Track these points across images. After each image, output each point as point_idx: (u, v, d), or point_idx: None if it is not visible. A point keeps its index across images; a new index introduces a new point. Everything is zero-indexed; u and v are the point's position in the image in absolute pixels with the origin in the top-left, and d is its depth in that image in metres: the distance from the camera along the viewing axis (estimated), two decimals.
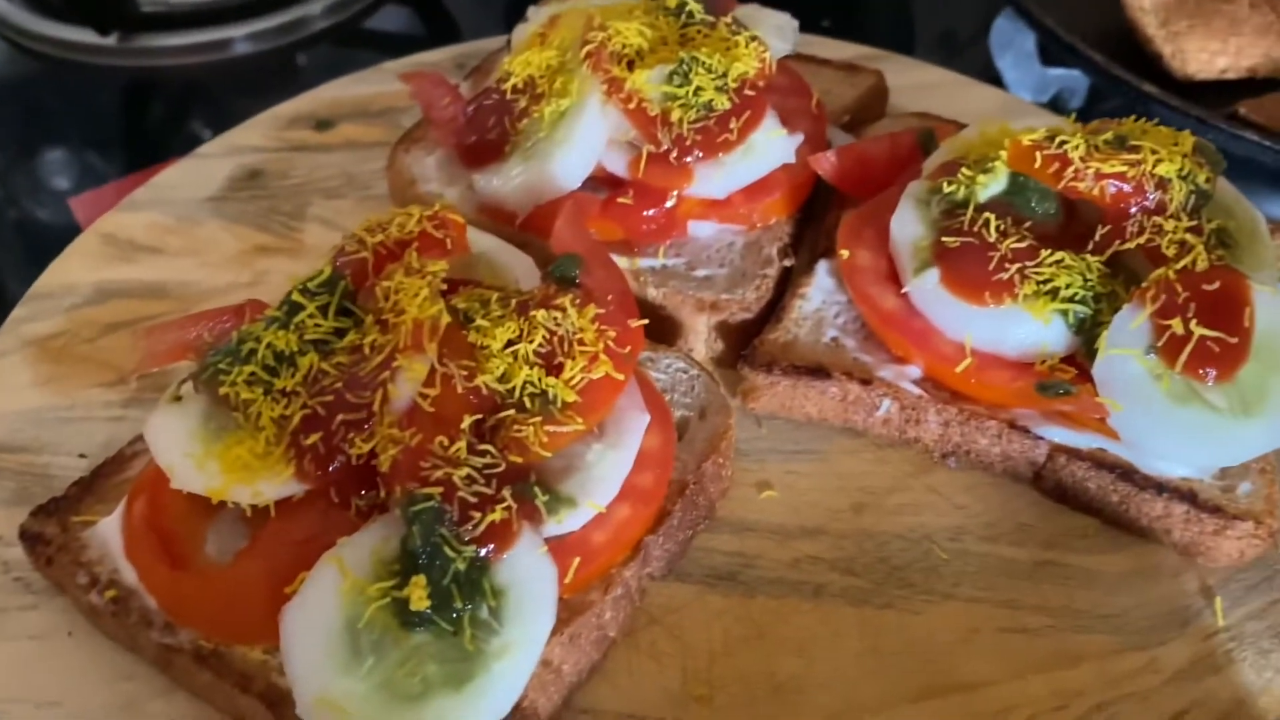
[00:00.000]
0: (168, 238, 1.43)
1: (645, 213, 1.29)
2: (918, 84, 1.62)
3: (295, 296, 1.02)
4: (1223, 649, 1.07)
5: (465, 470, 0.95)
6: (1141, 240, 1.14)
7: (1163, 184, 1.14)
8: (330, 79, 2.01)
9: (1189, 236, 1.14)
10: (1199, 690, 1.04)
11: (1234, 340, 1.08)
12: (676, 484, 1.10)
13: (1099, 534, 1.16)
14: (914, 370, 1.20)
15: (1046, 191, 1.20)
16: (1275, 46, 1.80)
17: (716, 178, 1.29)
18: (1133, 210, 1.15)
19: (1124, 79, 1.69)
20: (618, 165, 1.30)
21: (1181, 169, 1.15)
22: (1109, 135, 1.17)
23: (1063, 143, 1.15)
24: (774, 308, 1.29)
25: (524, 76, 1.33)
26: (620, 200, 1.29)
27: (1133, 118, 1.25)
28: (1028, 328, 1.15)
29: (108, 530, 1.05)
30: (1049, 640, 1.07)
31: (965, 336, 1.17)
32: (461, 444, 0.97)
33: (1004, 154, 1.20)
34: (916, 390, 1.19)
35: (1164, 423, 1.09)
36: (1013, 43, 2.07)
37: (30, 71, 2.08)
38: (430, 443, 0.95)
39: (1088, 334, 1.14)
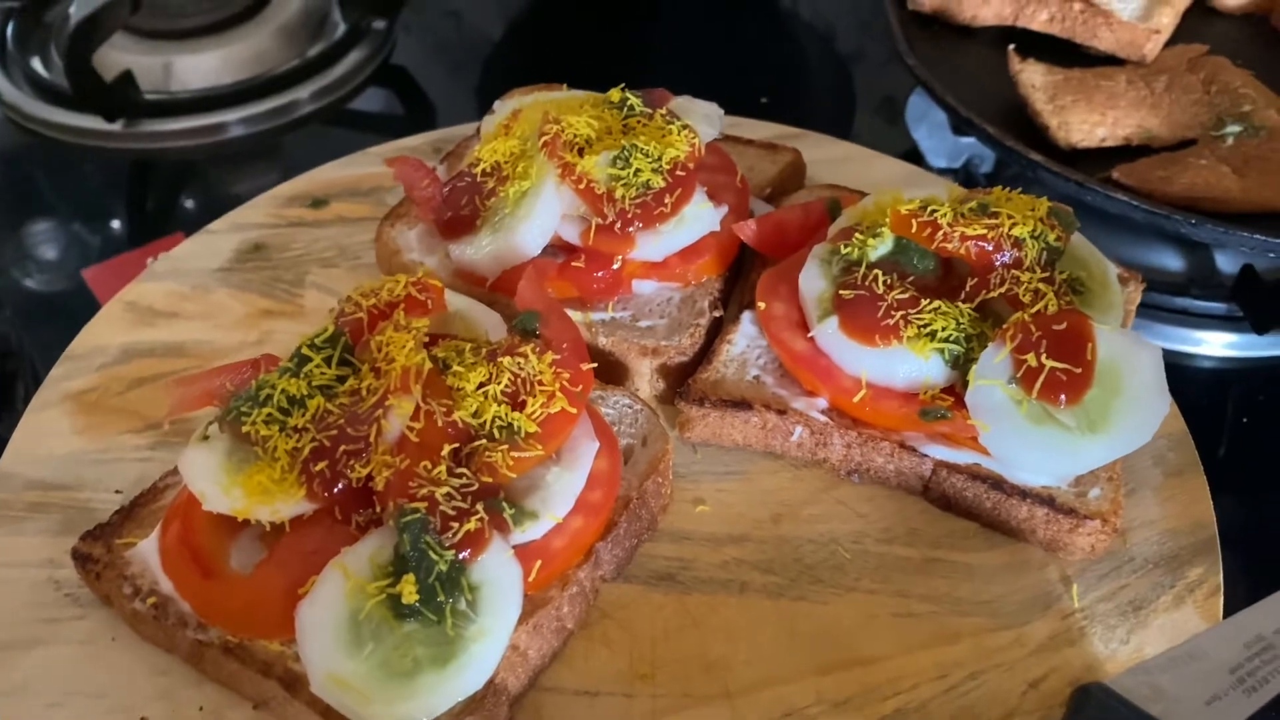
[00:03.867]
0: (183, 304, 1.64)
1: (595, 274, 1.52)
2: (832, 158, 1.86)
3: (304, 350, 1.24)
4: (1077, 626, 1.29)
5: (445, 489, 1.17)
6: (1003, 289, 1.38)
7: (1018, 243, 1.39)
8: (316, 156, 2.26)
9: (1042, 285, 1.37)
10: (1057, 659, 1.26)
11: (1079, 370, 1.31)
12: (622, 499, 1.31)
13: (977, 535, 1.38)
14: (821, 401, 1.43)
15: (925, 251, 1.43)
16: (1148, 117, 2.05)
17: (654, 244, 1.52)
18: (995, 265, 1.39)
19: (1014, 148, 1.94)
20: (571, 235, 1.53)
21: (1034, 230, 1.39)
22: (974, 204, 1.41)
23: (933, 211, 1.39)
24: (706, 352, 1.52)
25: (491, 162, 1.57)
26: (574, 264, 1.52)
27: (1001, 187, 1.49)
28: (911, 364, 1.38)
29: (147, 549, 1.26)
30: (933, 623, 1.29)
31: (861, 372, 1.39)
32: (442, 468, 1.19)
33: (889, 220, 1.44)
34: (823, 418, 1.41)
35: (1025, 440, 1.32)
36: (926, 115, 2.32)
37: (40, 154, 2.31)
38: (416, 467, 1.17)
39: (961, 368, 1.37)
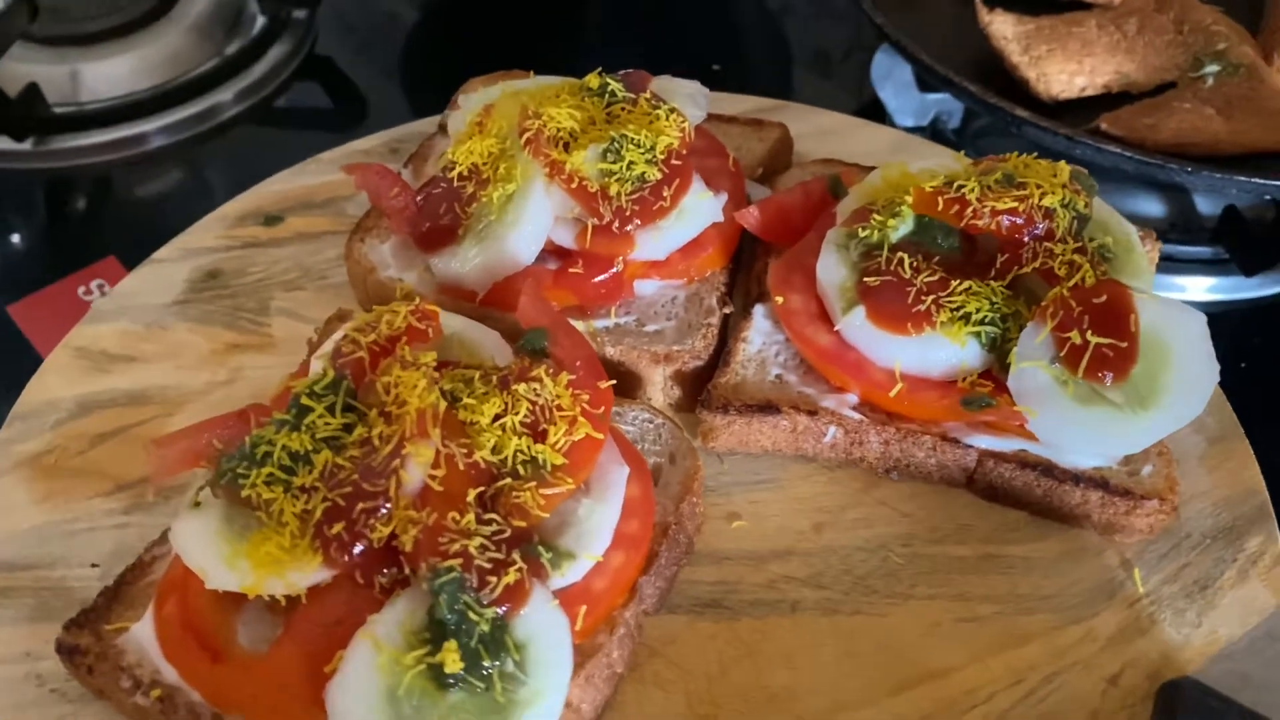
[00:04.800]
0: (139, 345, 1.49)
1: (595, 279, 1.40)
2: (817, 130, 1.77)
3: (304, 400, 1.11)
4: (1146, 613, 1.23)
5: (478, 540, 1.06)
6: (1036, 264, 1.30)
7: (1049, 213, 1.31)
8: (248, 161, 2.10)
9: (1076, 257, 1.30)
10: (1131, 651, 1.20)
11: (1124, 345, 1.25)
12: (659, 526, 1.21)
13: (1029, 525, 1.31)
14: (852, 398, 1.34)
15: (949, 228, 1.35)
16: (1124, 62, 2.00)
17: (656, 242, 1.41)
18: (1026, 238, 1.31)
19: (999, 106, 1.86)
20: (566, 239, 1.41)
21: (1063, 199, 1.31)
22: (998, 175, 1.32)
23: (960, 186, 1.30)
24: (720, 352, 1.42)
25: (468, 164, 1.44)
26: (572, 270, 1.40)
27: (1017, 154, 1.41)
28: (947, 351, 1.30)
29: (142, 634, 1.12)
30: (999, 624, 1.22)
31: (894, 364, 1.31)
32: (470, 516, 1.08)
33: (909, 199, 1.35)
34: (857, 415, 1.33)
35: (1074, 422, 1.25)
36: (891, 74, 2.24)
37: None
38: (444, 519, 1.06)
39: (999, 350, 1.30)
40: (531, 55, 2.46)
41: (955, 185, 1.31)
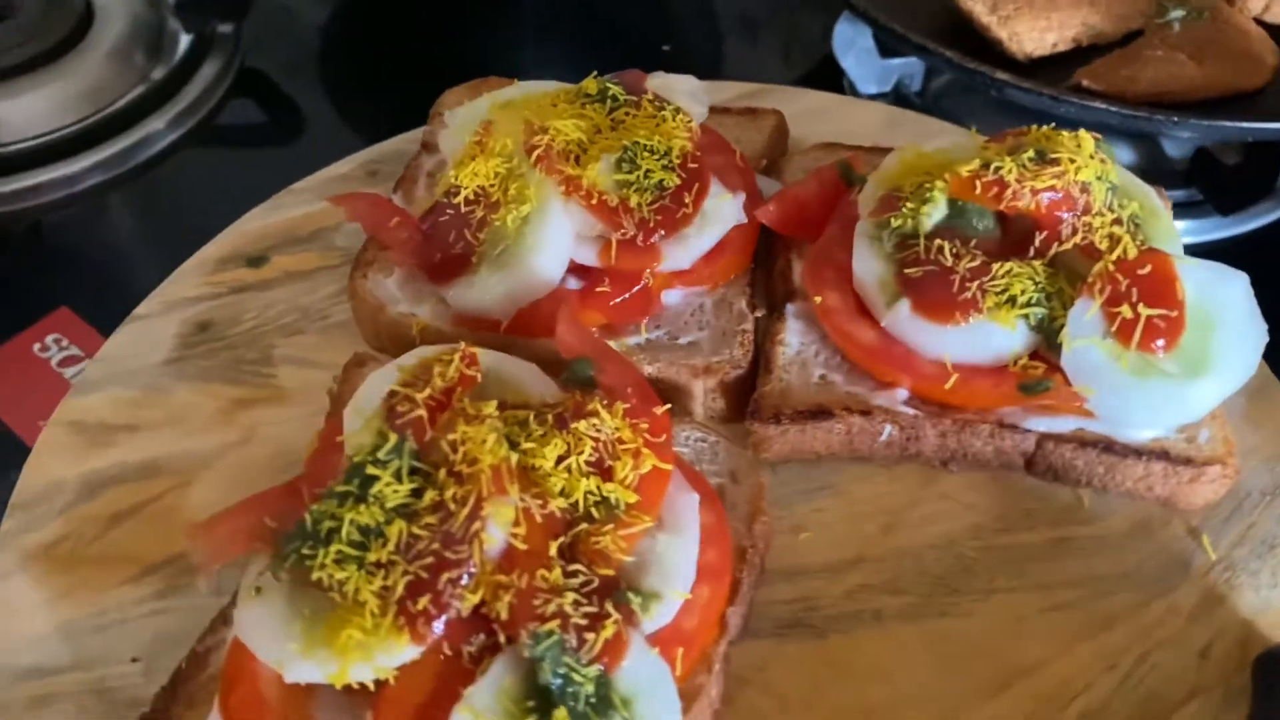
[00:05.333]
0: (139, 412, 1.40)
1: (624, 296, 1.35)
2: (804, 111, 1.72)
3: (369, 470, 1.04)
4: (1222, 580, 1.23)
5: (571, 596, 1.01)
6: (1077, 240, 1.28)
7: (1085, 187, 1.29)
8: (195, 189, 1.98)
9: (1115, 229, 1.28)
10: (1216, 621, 1.20)
11: (1174, 313, 1.24)
12: (737, 551, 1.17)
13: (1093, 503, 1.30)
14: (902, 393, 1.31)
15: (984, 211, 1.32)
16: (1089, 14, 1.99)
17: (682, 250, 1.36)
18: (1065, 215, 1.29)
19: (979, 70, 1.84)
20: (588, 257, 1.35)
21: (1098, 171, 1.29)
22: (1030, 152, 1.30)
23: (997, 169, 1.27)
24: (757, 358, 1.38)
25: (473, 187, 1.37)
26: (599, 290, 1.34)
27: (1036, 126, 1.38)
28: (997, 336, 1.27)
29: None
30: (1083, 610, 1.21)
31: (944, 355, 1.28)
32: (557, 571, 1.02)
33: (939, 183, 1.32)
34: (911, 411, 1.30)
35: (1132, 396, 1.23)
36: (854, 42, 2.20)
37: None
38: (534, 578, 1.00)
39: (1046, 330, 1.28)
40: (460, 54, 2.41)
41: (993, 168, 1.27)
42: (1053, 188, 1.27)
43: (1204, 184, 2.01)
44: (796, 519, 1.29)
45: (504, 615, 0.98)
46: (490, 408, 1.08)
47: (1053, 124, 1.39)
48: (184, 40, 2.33)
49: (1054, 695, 1.15)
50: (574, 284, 1.37)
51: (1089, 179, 1.28)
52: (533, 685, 0.98)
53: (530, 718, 0.96)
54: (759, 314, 1.40)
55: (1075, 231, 1.28)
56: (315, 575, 1.01)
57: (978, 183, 1.28)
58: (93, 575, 1.25)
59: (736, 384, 1.35)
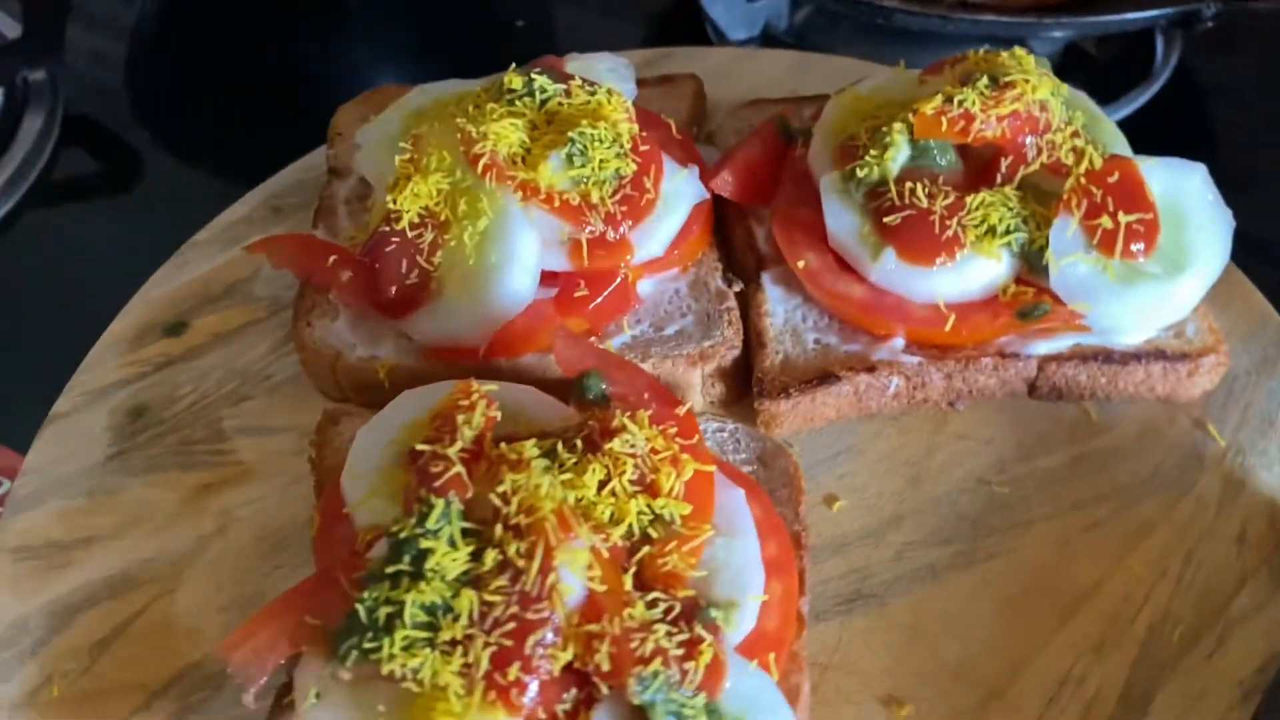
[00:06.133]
0: (92, 521, 1.25)
1: (603, 296, 1.28)
2: (710, 71, 1.65)
3: (423, 544, 0.94)
4: (1236, 464, 1.26)
5: (662, 629, 0.95)
6: (1043, 159, 1.28)
7: (1044, 105, 1.28)
8: (56, 257, 1.80)
9: (1075, 142, 1.29)
10: (1242, 506, 1.23)
11: (1149, 215, 1.25)
12: (793, 539, 1.13)
13: (1099, 414, 1.31)
14: (898, 341, 1.29)
15: (946, 147, 1.30)
16: None
17: (652, 237, 1.30)
18: (1028, 138, 1.28)
19: (867, 1, 1.82)
20: (559, 262, 1.27)
21: (1051, 88, 1.28)
22: (984, 80, 1.28)
23: (961, 102, 1.25)
24: (747, 333, 1.33)
25: (416, 209, 1.26)
26: (577, 295, 1.27)
27: (974, 51, 1.36)
28: (985, 268, 1.26)
29: None
30: (1120, 522, 1.22)
31: (936, 297, 1.27)
32: (639, 605, 0.96)
33: (896, 125, 1.29)
34: (915, 359, 1.28)
35: (1123, 304, 1.25)
36: None
37: None
38: (623, 619, 0.94)
39: (1027, 254, 1.27)
40: (290, 65, 2.24)
41: (956, 101, 1.25)
42: (1015, 113, 1.26)
43: (1079, 77, 2.05)
44: (826, 489, 1.26)
45: (606, 666, 0.92)
46: (529, 449, 1.00)
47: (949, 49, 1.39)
48: None
49: (1118, 613, 1.16)
50: (544, 293, 1.28)
51: (1045, 96, 1.27)
52: None
53: None
54: (738, 289, 1.35)
55: (1040, 152, 1.28)
56: (386, 669, 0.92)
57: (943, 119, 1.25)
58: (93, 714, 1.12)
59: (733, 365, 1.30)
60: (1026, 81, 1.27)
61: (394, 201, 1.27)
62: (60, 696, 1.13)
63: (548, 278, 1.29)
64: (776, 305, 1.34)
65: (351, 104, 1.56)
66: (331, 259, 1.30)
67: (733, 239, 1.43)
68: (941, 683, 1.11)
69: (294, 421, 1.32)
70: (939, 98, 1.26)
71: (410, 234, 1.27)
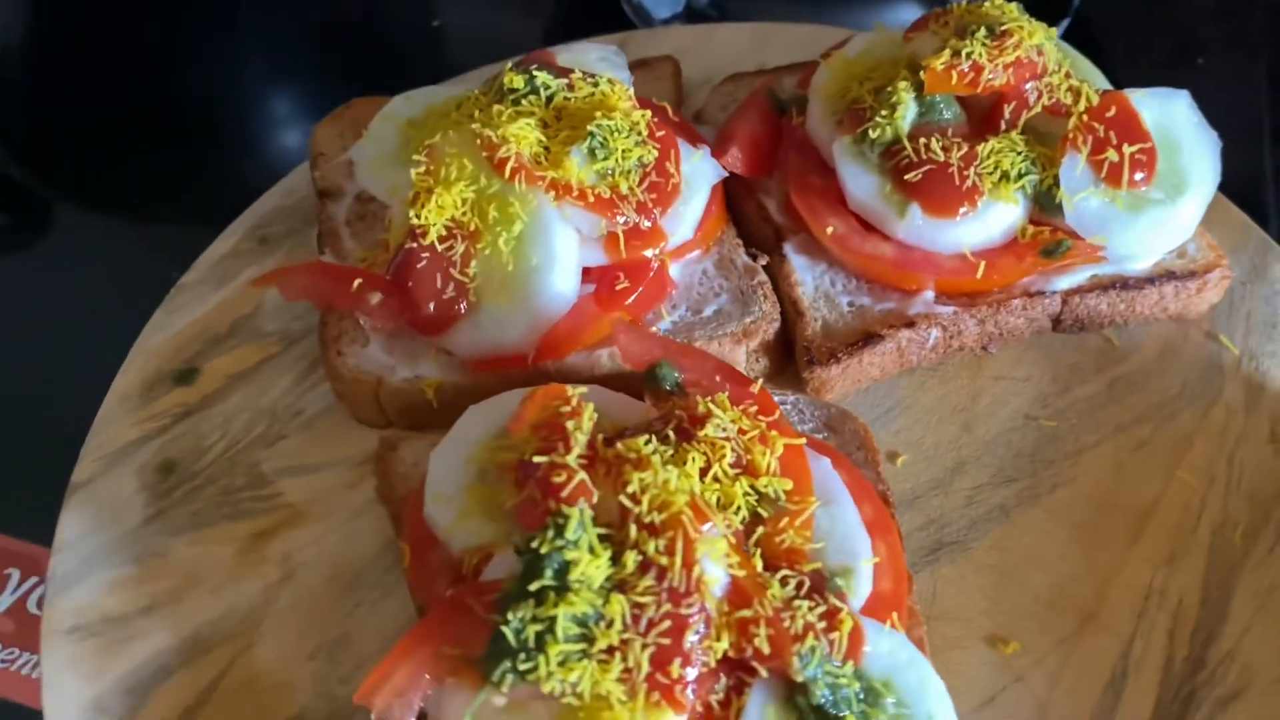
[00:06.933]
0: (145, 589, 1.18)
1: (643, 286, 1.27)
2: (677, 49, 1.66)
3: (567, 555, 0.92)
4: (1253, 369, 1.34)
5: (804, 605, 0.96)
6: (1044, 102, 1.32)
7: (1040, 50, 1.32)
8: None
9: (1071, 82, 1.33)
10: (1266, 407, 1.30)
11: (1148, 145, 1.31)
12: (881, 498, 1.15)
13: (1120, 339, 1.37)
14: (929, 294, 1.32)
15: (950, 100, 1.33)
16: None
17: (681, 221, 1.30)
18: (1029, 83, 1.32)
19: None
20: (596, 258, 1.26)
21: (1046, 34, 1.33)
22: (982, 31, 1.31)
23: (968, 54, 1.28)
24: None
25: (441, 222, 1.23)
26: (618, 288, 1.26)
27: (958, 2, 1.40)
28: (1005, 213, 1.30)
29: None
30: (1163, 439, 1.28)
31: (962, 246, 1.30)
32: (775, 585, 0.97)
33: (901, 84, 1.32)
34: (949, 308, 1.31)
35: (1135, 231, 1.30)
36: None
37: None
38: (771, 603, 0.94)
39: (1038, 195, 1.32)
40: (184, 88, 2.13)
41: (964, 54, 1.28)
42: (1018, 60, 1.29)
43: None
44: (886, 446, 1.28)
45: (766, 649, 0.92)
46: (643, 445, 0.99)
47: None
48: None
49: (1180, 524, 1.22)
50: (583, 291, 1.27)
51: (1040, 41, 1.32)
52: (794, 707, 0.93)
53: None
54: (764, 261, 1.36)
55: (1040, 95, 1.32)
56: (547, 687, 0.90)
57: (953, 73, 1.28)
58: None
59: (776, 338, 1.31)
60: (1022, 28, 1.31)
61: (417, 216, 1.24)
62: None
63: (583, 275, 1.27)
64: (804, 274, 1.35)
65: (326, 121, 1.50)
66: (356, 284, 1.26)
67: (744, 214, 1.44)
68: (1038, 614, 1.16)
69: (337, 455, 1.28)
70: (946, 53, 1.29)
71: (440, 247, 1.23)
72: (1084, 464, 1.26)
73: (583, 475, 0.97)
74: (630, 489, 0.95)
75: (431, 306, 1.24)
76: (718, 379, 1.14)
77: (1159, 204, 1.31)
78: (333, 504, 1.24)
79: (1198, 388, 1.32)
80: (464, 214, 1.24)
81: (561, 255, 1.22)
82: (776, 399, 1.23)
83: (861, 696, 0.94)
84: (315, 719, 1.10)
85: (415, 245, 1.24)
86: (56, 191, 2.02)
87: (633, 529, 0.95)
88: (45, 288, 1.83)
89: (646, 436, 1.03)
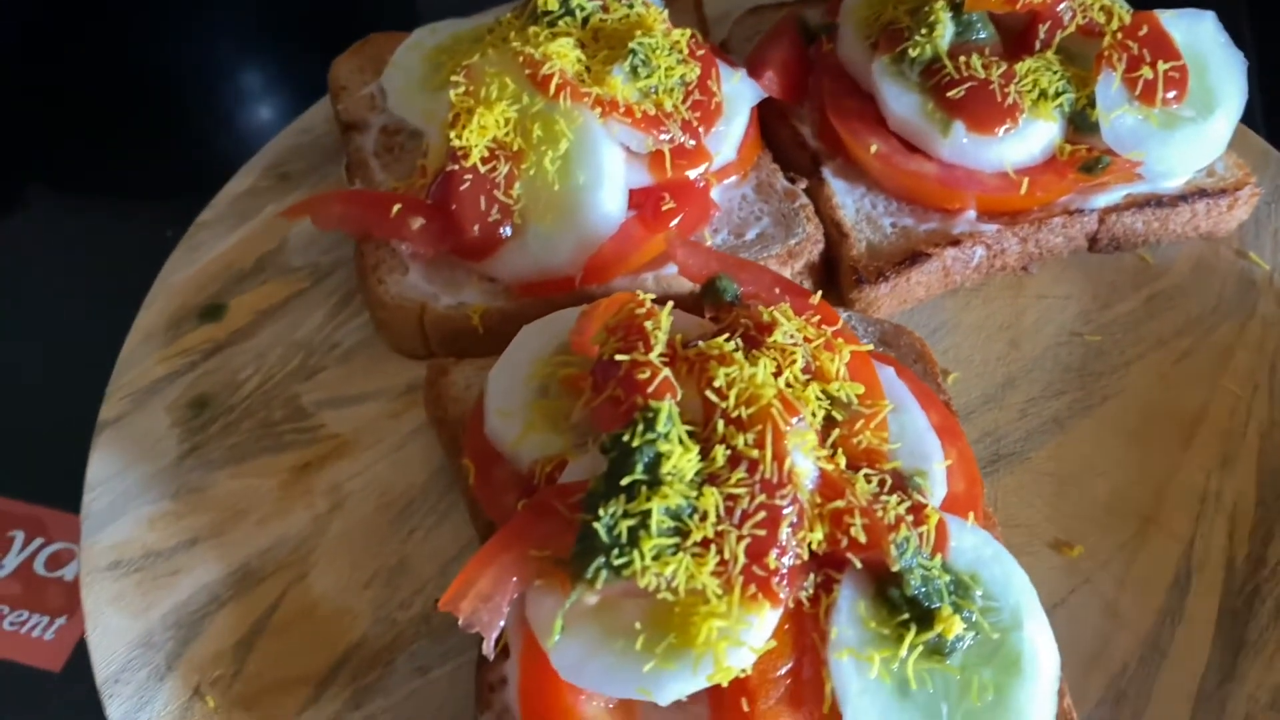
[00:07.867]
0: (187, 523, 1.14)
1: (689, 206, 1.25)
2: None
3: (661, 447, 0.90)
4: None
5: (893, 499, 0.95)
6: (1079, 21, 1.33)
7: None
8: None
9: (1104, 1, 1.34)
10: None
11: (1180, 63, 1.32)
12: (945, 405, 1.14)
13: (1154, 258, 1.38)
14: (971, 213, 1.32)
15: (985, 19, 1.34)
16: None
17: (724, 141, 1.28)
18: (1062, 2, 1.33)
19: None
20: (641, 178, 1.24)
21: None
22: None
23: None
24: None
25: (484, 142, 1.20)
26: (665, 209, 1.23)
27: None
28: (1044, 130, 1.31)
29: None
30: (1204, 350, 1.29)
31: (1003, 164, 1.30)
32: (860, 480, 0.96)
33: (939, 3, 1.32)
34: (993, 227, 1.31)
35: (1171, 147, 1.31)
36: None
37: None
38: (860, 496, 0.93)
39: (1073, 113, 1.33)
40: (140, 49, 2.05)
41: None
42: None
43: None
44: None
45: (862, 538, 0.91)
46: (723, 344, 0.97)
47: None
48: None
49: (1229, 429, 1.23)
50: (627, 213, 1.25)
51: None
52: (887, 600, 0.92)
53: (908, 632, 0.90)
54: (804, 185, 1.35)
55: (1074, 15, 1.33)
56: (643, 582, 0.88)
57: None
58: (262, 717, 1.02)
59: (821, 260, 1.30)
60: None
61: (458, 138, 1.21)
62: (217, 707, 1.03)
63: (628, 199, 1.25)
64: (844, 197, 1.34)
65: (346, 55, 1.47)
66: (396, 209, 1.23)
67: (778, 142, 1.42)
68: (1099, 519, 1.16)
69: (378, 386, 1.25)
70: None
71: (483, 169, 1.20)
72: (1130, 376, 1.27)
73: (667, 371, 0.95)
74: (716, 384, 0.93)
75: (476, 229, 1.21)
76: (777, 291, 1.13)
77: (1191, 122, 1.32)
78: (377, 434, 1.21)
79: (1233, 302, 1.34)
80: (506, 134, 1.21)
81: (609, 172, 1.20)
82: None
83: (952, 589, 0.93)
84: (377, 645, 1.07)
85: (457, 168, 1.21)
86: (27, 171, 1.94)
87: (720, 424, 0.93)
88: (19, 266, 1.75)
89: (725, 335, 1.02)
